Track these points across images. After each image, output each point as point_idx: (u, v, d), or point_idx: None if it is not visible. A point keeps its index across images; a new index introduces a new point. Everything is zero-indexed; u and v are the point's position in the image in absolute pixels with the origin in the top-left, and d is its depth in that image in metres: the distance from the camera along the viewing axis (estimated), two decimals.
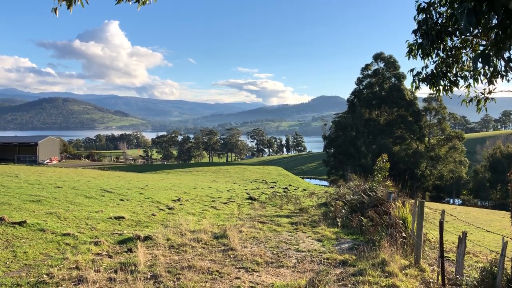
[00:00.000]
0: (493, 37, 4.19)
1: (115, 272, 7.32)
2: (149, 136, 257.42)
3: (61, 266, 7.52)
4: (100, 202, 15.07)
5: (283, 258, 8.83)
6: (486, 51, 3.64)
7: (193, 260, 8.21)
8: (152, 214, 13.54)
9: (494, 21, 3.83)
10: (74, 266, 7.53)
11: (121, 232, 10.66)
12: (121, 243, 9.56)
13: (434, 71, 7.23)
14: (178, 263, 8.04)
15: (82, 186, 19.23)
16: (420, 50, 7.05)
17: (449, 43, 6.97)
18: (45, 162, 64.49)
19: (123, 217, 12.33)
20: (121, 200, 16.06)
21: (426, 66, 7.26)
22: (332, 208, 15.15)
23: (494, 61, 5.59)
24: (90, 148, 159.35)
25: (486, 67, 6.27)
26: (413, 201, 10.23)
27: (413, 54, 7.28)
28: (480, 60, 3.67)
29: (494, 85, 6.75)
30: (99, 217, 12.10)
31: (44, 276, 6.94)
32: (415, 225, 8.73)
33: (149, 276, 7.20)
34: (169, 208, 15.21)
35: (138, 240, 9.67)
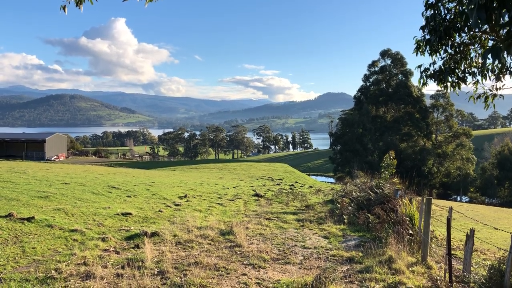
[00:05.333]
0: (504, 33, 4.14)
1: (123, 268, 7.37)
2: (155, 133, 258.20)
3: (69, 261, 7.58)
4: (107, 198, 15.16)
5: (290, 254, 8.84)
6: (497, 46, 3.60)
7: (200, 256, 8.24)
8: (159, 211, 13.60)
9: (506, 17, 3.78)
10: (82, 261, 7.59)
11: (128, 228, 10.72)
12: (128, 239, 9.61)
13: (442, 67, 7.17)
14: (185, 259, 8.08)
15: (89, 183, 19.35)
16: (428, 46, 6.99)
17: (458, 39, 6.90)
18: (53, 158, 64.97)
19: (130, 214, 12.40)
20: (128, 196, 16.13)
21: (434, 63, 7.20)
22: (339, 205, 15.12)
23: (504, 56, 5.55)
24: (97, 145, 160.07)
25: (495, 63, 6.21)
26: (420, 198, 10.18)
27: (421, 50, 7.22)
28: (490, 55, 3.63)
29: (502, 81, 6.68)
30: (106, 213, 12.18)
31: (53, 271, 7.00)
32: (422, 222, 8.70)
33: (156, 272, 7.25)
34: (176, 205, 15.27)
35: (145, 236, 9.73)
